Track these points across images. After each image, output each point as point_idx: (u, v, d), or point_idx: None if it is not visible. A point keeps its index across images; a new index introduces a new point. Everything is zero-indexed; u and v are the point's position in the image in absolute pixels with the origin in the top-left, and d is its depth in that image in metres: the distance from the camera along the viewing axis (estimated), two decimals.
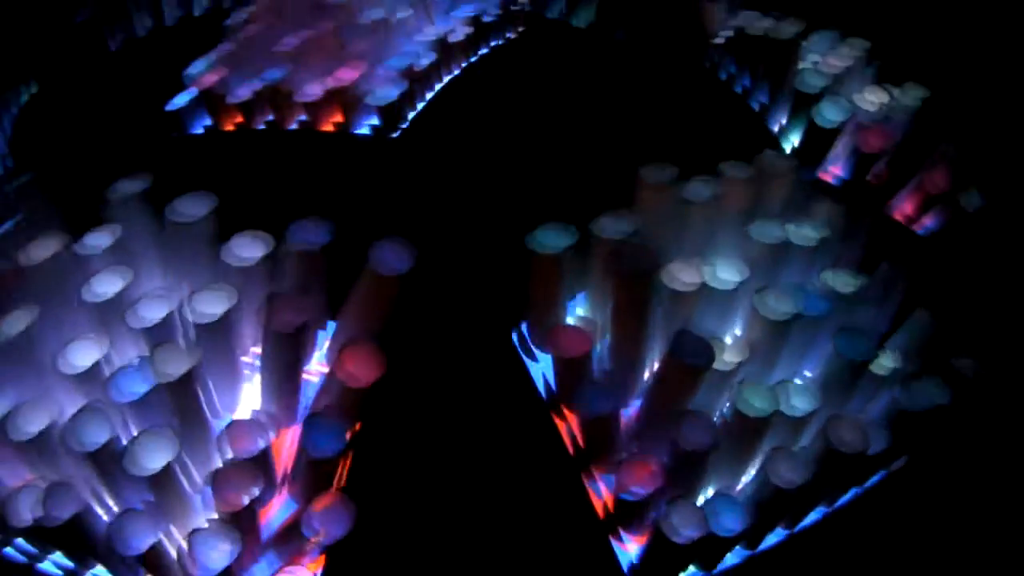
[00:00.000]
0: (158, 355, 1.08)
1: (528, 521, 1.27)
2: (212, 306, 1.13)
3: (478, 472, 1.30)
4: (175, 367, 1.07)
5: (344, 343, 1.15)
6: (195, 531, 1.05)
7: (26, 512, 1.07)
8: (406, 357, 1.20)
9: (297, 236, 1.15)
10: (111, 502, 1.14)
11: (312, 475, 1.14)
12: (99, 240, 1.23)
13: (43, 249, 1.21)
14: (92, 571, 1.18)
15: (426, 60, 1.79)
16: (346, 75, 1.67)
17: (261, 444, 1.10)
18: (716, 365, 1.17)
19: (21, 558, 1.21)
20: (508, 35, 2.10)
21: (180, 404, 1.09)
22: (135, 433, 1.08)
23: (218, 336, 1.14)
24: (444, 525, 1.26)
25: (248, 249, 1.18)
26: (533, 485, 1.30)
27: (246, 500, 1.06)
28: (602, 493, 1.26)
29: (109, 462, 1.06)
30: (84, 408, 1.07)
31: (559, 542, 1.26)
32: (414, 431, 1.31)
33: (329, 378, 1.18)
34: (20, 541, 1.18)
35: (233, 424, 1.10)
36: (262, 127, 1.77)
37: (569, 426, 1.31)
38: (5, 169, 1.72)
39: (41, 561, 1.21)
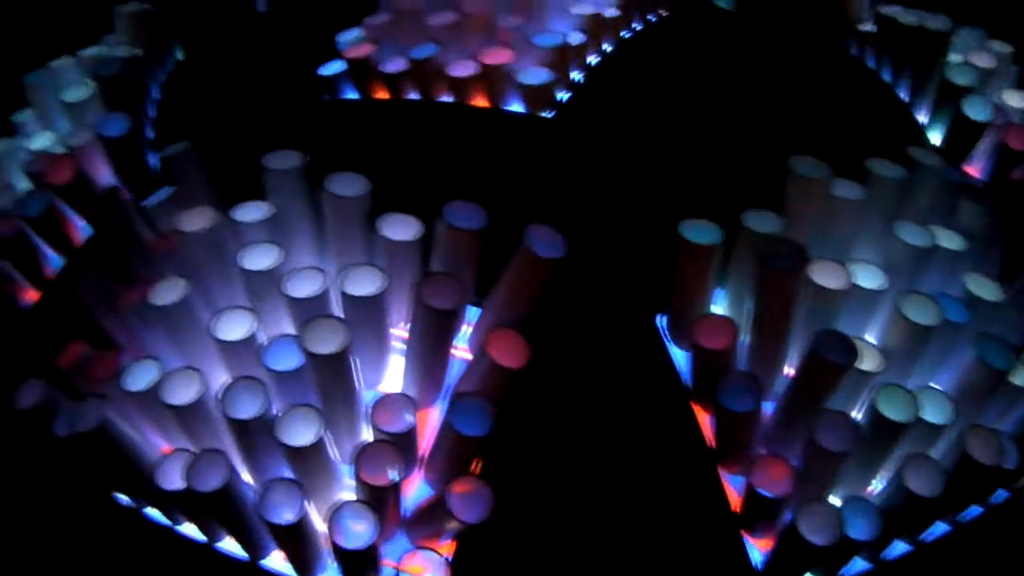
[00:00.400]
0: (311, 330, 1.12)
1: (662, 510, 1.30)
2: (364, 283, 1.17)
3: (616, 458, 1.33)
4: (328, 343, 1.11)
5: (492, 327, 1.19)
6: (337, 506, 1.09)
7: (177, 478, 1.13)
8: (550, 342, 1.22)
9: (453, 218, 1.18)
10: (256, 472, 1.19)
11: (454, 456, 1.17)
12: (253, 213, 1.28)
13: (198, 220, 1.27)
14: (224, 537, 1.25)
15: (577, 38, 1.80)
16: (498, 55, 1.69)
17: (408, 422, 1.14)
18: (857, 365, 1.18)
19: (163, 520, 1.29)
20: (652, 16, 2.11)
21: (329, 378, 1.14)
22: (282, 404, 1.14)
23: (369, 313, 1.18)
24: (578, 512, 1.30)
25: (400, 228, 1.22)
26: (669, 474, 1.32)
27: (389, 479, 1.11)
28: (735, 488, 1.29)
29: (260, 433, 1.12)
30: (238, 378, 1.13)
31: (692, 533, 1.29)
32: (554, 416, 1.35)
33: (474, 361, 1.21)
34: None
35: (380, 400, 1.15)
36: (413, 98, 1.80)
37: (708, 418, 1.34)
38: (154, 137, 1.80)
39: (181, 524, 1.29)
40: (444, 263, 1.21)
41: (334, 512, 1.08)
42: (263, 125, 1.77)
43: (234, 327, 1.19)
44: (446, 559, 1.14)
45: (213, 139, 1.44)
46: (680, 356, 1.39)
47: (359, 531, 1.09)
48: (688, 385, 1.35)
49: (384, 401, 1.14)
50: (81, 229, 1.64)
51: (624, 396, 1.36)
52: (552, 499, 1.30)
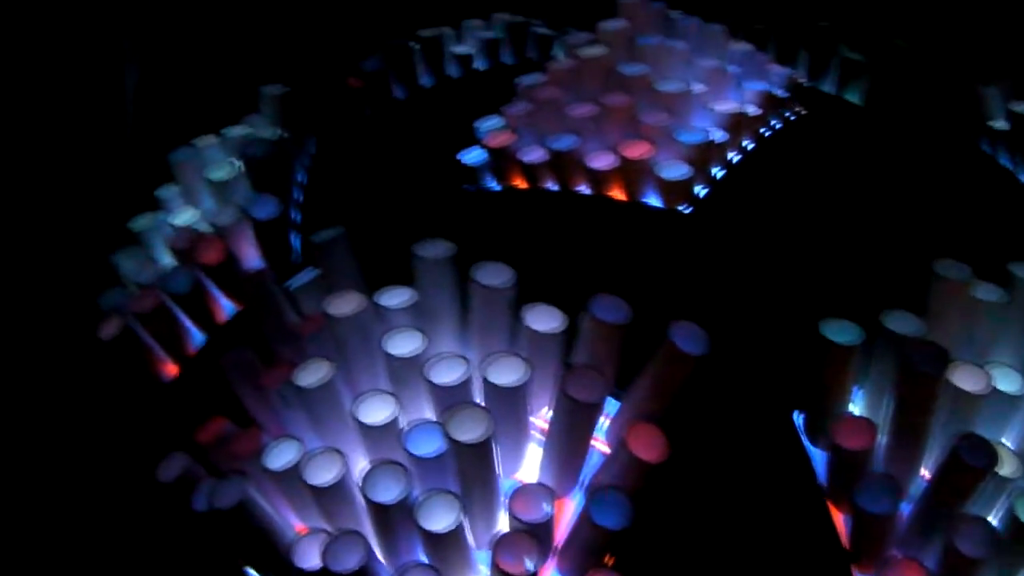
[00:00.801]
0: (455, 417, 1.18)
1: None
2: (507, 373, 1.23)
3: (751, 556, 1.36)
4: (471, 431, 1.16)
5: (632, 421, 1.24)
6: None
7: (314, 557, 1.18)
8: (689, 436, 1.26)
9: (599, 311, 1.24)
10: (392, 555, 1.25)
11: (590, 548, 1.21)
12: (399, 299, 1.35)
13: (346, 303, 1.34)
14: None
15: (718, 135, 1.86)
16: (638, 148, 1.76)
17: (546, 512, 1.18)
18: (996, 470, 1.20)
19: None
20: (790, 113, 2.16)
21: (470, 465, 1.19)
22: (421, 489, 1.19)
23: (510, 402, 1.23)
24: None
25: (545, 319, 1.28)
26: (804, 574, 1.35)
27: (526, 568, 1.15)
28: None
29: (399, 517, 1.18)
30: (380, 462, 1.19)
31: None
32: (690, 511, 1.38)
33: (613, 454, 1.26)
34: None
35: (519, 489, 1.20)
36: (552, 188, 1.88)
37: (843, 518, 1.36)
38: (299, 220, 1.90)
39: None
40: (587, 355, 1.26)
41: None
42: (405, 211, 1.84)
43: (376, 411, 1.25)
44: None
45: (356, 224, 1.51)
46: (817, 454, 1.41)
47: None
48: (824, 484, 1.37)
49: (523, 490, 1.19)
50: (224, 307, 1.74)
51: (761, 493, 1.39)
52: None
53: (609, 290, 1.27)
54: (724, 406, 1.46)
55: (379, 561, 1.22)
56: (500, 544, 1.15)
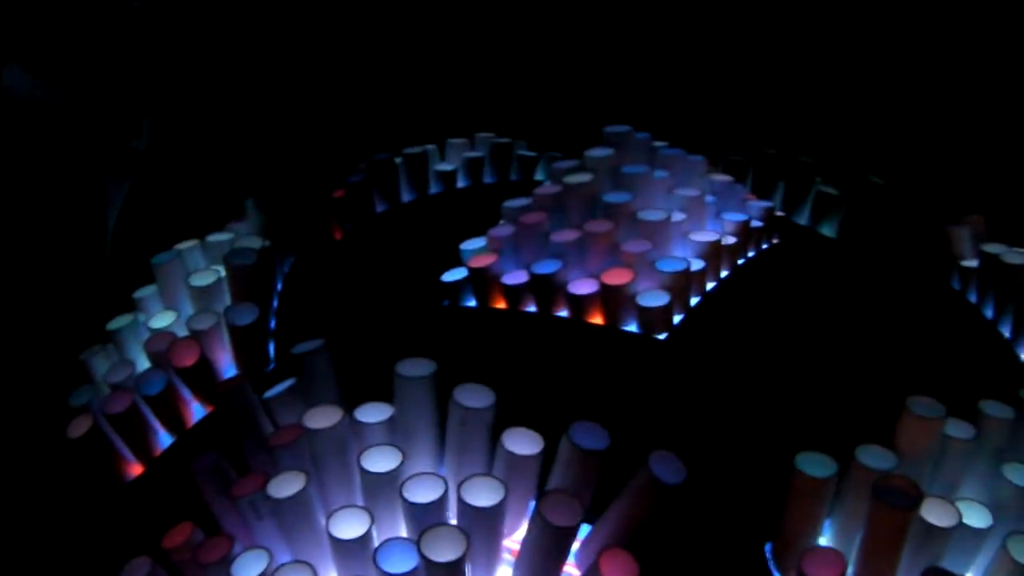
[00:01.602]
0: (429, 536, 1.19)
1: None
2: (484, 494, 1.23)
3: None
4: (445, 551, 1.17)
5: (604, 547, 1.24)
6: None
7: None
8: (661, 562, 1.27)
9: (579, 437, 1.26)
10: None
11: None
12: (378, 415, 1.36)
13: (323, 416, 1.34)
14: None
15: (696, 264, 1.90)
16: (619, 275, 1.79)
17: None
18: None
19: None
20: (765, 243, 2.23)
21: None
22: None
23: (485, 523, 1.24)
24: None
25: (522, 442, 1.30)
26: None
27: None
28: None
29: None
30: None
31: None
32: None
33: None
34: None
35: None
36: (531, 311, 1.90)
37: None
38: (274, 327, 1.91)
39: None
40: (564, 479, 1.27)
41: None
42: (384, 327, 1.86)
43: (350, 526, 1.25)
44: None
45: (333, 336, 1.52)
46: None
47: None
48: None
49: None
50: (194, 410, 1.74)
51: None
52: None
53: (584, 414, 1.30)
54: (696, 534, 1.47)
55: None
56: None
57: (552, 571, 1.27)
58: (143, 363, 1.80)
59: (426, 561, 1.16)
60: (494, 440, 1.31)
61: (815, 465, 1.34)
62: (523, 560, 1.28)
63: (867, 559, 1.32)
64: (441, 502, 1.25)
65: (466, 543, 1.18)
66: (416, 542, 1.19)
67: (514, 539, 1.36)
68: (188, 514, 1.38)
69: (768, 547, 1.46)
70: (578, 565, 1.35)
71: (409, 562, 1.20)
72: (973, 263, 2.17)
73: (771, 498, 1.41)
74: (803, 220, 2.49)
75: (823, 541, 1.43)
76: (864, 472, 1.35)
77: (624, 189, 1.98)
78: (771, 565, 1.45)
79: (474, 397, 1.32)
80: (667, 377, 1.77)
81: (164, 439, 1.73)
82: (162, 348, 1.73)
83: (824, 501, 1.37)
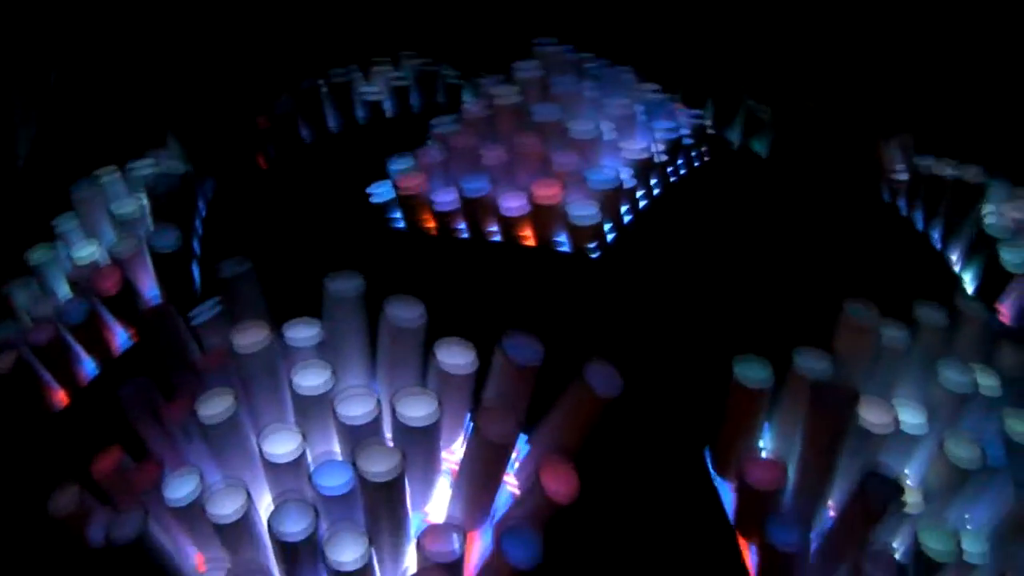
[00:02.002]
0: (365, 453, 1.17)
1: None
2: (418, 409, 1.22)
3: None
4: (381, 468, 1.15)
5: (543, 459, 1.23)
6: None
7: None
8: (599, 473, 1.26)
9: (512, 350, 1.24)
10: None
11: None
12: (307, 333, 1.33)
13: (251, 337, 1.31)
14: None
15: (628, 179, 1.88)
16: (549, 191, 1.77)
17: (456, 548, 1.17)
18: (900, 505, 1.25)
19: None
20: (697, 159, 2.24)
21: (380, 503, 1.17)
22: (327, 525, 1.17)
23: (421, 438, 1.22)
24: None
25: (456, 356, 1.28)
26: None
27: None
28: None
29: (307, 552, 1.16)
30: (287, 497, 1.17)
31: None
32: (600, 548, 1.38)
33: (525, 491, 1.26)
34: None
35: (429, 526, 1.18)
36: (463, 234, 1.89)
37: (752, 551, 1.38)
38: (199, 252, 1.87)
39: None
40: (499, 393, 1.26)
41: None
42: (311, 247, 1.83)
43: (282, 445, 1.22)
44: None
45: (260, 257, 1.49)
46: (726, 489, 1.43)
47: None
48: (733, 519, 1.39)
49: (432, 527, 1.18)
50: (119, 338, 1.70)
51: (670, 529, 1.41)
52: None
53: (518, 329, 1.27)
54: (636, 443, 1.48)
55: None
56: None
57: (491, 486, 1.26)
58: (66, 294, 1.76)
59: (362, 479, 1.14)
60: (427, 355, 1.29)
61: (752, 370, 1.35)
62: (462, 476, 1.27)
63: (806, 463, 1.32)
64: (375, 419, 1.23)
65: (402, 459, 1.16)
66: (351, 460, 1.16)
67: (452, 452, 1.36)
68: (117, 442, 1.35)
69: (707, 452, 1.48)
70: (518, 478, 1.35)
71: (344, 480, 1.18)
72: (903, 176, 2.20)
73: (709, 404, 1.43)
74: (734, 138, 2.48)
75: (763, 445, 1.45)
76: (801, 376, 1.35)
77: (553, 103, 1.94)
78: (711, 470, 1.47)
79: (405, 311, 1.30)
80: (601, 293, 1.75)
81: (90, 368, 1.69)
82: (84, 277, 1.69)
83: (762, 406, 1.38)
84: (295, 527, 1.14)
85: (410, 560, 1.24)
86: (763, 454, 1.41)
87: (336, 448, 1.27)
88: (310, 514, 1.15)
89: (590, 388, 1.22)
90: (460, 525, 1.19)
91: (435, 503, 1.33)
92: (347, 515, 1.18)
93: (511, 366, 1.24)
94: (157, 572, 1.22)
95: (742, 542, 1.37)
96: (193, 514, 1.20)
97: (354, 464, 1.15)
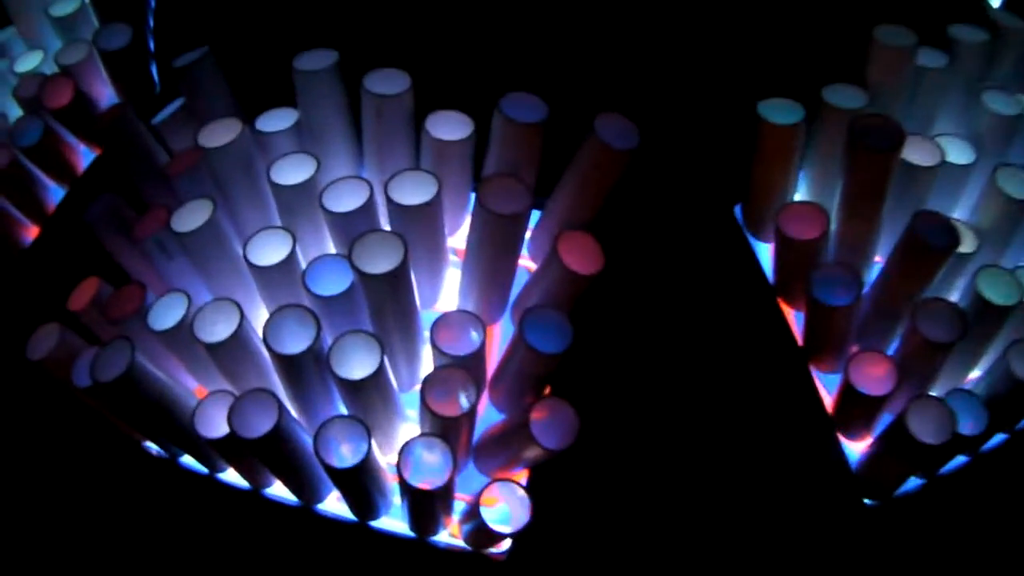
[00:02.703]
0: (362, 247, 1.04)
1: (751, 414, 1.27)
2: (415, 191, 1.09)
3: (699, 364, 1.29)
4: (383, 260, 1.03)
5: (560, 230, 1.10)
6: (406, 443, 1.01)
7: (219, 424, 1.05)
8: (622, 242, 1.16)
9: (512, 111, 1.10)
10: (307, 410, 1.12)
11: (529, 377, 1.10)
12: (282, 121, 1.19)
13: (219, 133, 1.17)
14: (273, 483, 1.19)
15: None
16: None
17: (475, 341, 1.06)
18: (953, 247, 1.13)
19: (201, 469, 1.23)
20: None
21: (385, 300, 1.06)
22: (331, 333, 1.06)
23: (422, 223, 1.10)
24: (660, 424, 1.26)
25: (450, 127, 1.14)
26: (757, 376, 1.29)
27: (461, 407, 1.03)
28: (828, 387, 1.24)
29: (311, 367, 1.05)
30: (282, 308, 1.05)
31: (784, 436, 1.26)
32: (629, 325, 1.30)
33: (542, 270, 1.13)
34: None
35: (442, 319, 1.07)
36: None
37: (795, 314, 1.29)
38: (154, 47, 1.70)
39: (223, 472, 1.22)
40: (502, 162, 1.12)
41: (403, 448, 1.00)
42: (274, 25, 1.67)
43: (270, 250, 1.10)
44: (527, 492, 1.04)
45: (221, 44, 1.33)
46: (762, 249, 1.32)
47: (433, 467, 1.02)
48: (773, 279, 1.29)
49: (446, 321, 1.07)
50: (83, 155, 1.56)
51: (704, 296, 1.32)
52: (633, 409, 1.26)
53: (519, 88, 1.12)
54: (660, 205, 1.36)
55: (294, 420, 1.08)
56: (429, 383, 1.02)
57: (505, 265, 1.15)
58: (15, 113, 1.59)
59: (362, 275, 1.02)
60: (417, 130, 1.16)
61: (781, 112, 1.20)
62: (471, 259, 1.15)
63: (849, 211, 1.20)
64: (368, 207, 1.10)
65: (405, 248, 1.03)
66: (347, 256, 1.04)
67: (458, 238, 1.25)
68: (94, 271, 1.22)
69: (738, 209, 1.37)
70: (533, 256, 1.23)
71: (343, 280, 1.06)
72: None
73: (736, 157, 1.31)
74: None
75: (798, 198, 1.32)
76: (835, 113, 1.21)
77: None
78: (743, 228, 1.36)
79: (387, 83, 1.14)
80: (608, 39, 1.58)
81: (56, 193, 1.55)
82: (33, 92, 1.52)
83: (794, 150, 1.25)
84: (295, 341, 1.03)
85: (426, 362, 1.15)
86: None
87: (330, 247, 1.14)
88: (310, 324, 1.03)
89: (604, 144, 1.07)
90: (476, 315, 1.08)
91: (445, 298, 1.22)
92: (351, 319, 1.07)
93: (512, 127, 1.09)
94: (152, 409, 1.11)
95: (784, 305, 1.28)
96: (183, 339, 1.09)
97: (351, 260, 1.02)
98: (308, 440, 1.05)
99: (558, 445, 1.00)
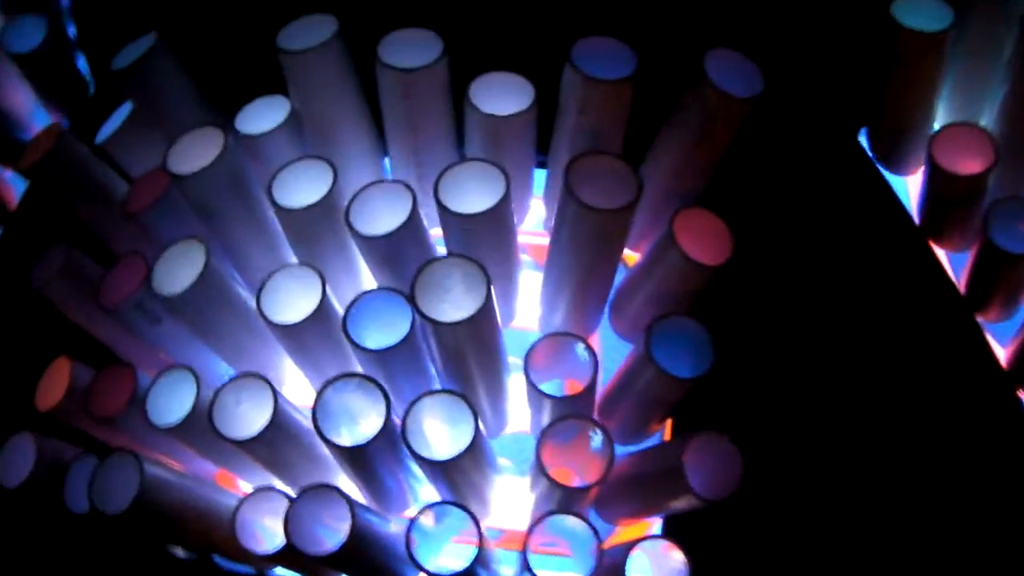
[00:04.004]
0: (426, 283, 0.79)
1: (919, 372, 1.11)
2: (473, 190, 0.84)
3: (854, 317, 1.13)
4: (459, 293, 0.80)
5: (670, 209, 0.86)
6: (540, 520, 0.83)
7: (269, 529, 0.86)
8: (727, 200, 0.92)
9: (589, 64, 0.85)
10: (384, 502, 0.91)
11: (659, 404, 0.91)
12: (272, 115, 0.93)
13: (193, 147, 0.90)
14: None
15: None
16: None
17: (585, 371, 0.85)
18: None
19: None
20: None
21: (466, 346, 0.83)
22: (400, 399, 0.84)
23: (490, 232, 0.86)
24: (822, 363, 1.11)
25: (503, 96, 0.88)
26: (917, 325, 1.12)
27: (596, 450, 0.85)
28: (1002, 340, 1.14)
29: (385, 449, 0.83)
30: (333, 381, 0.81)
31: (956, 393, 1.10)
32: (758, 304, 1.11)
33: (650, 263, 0.91)
34: None
35: (539, 346, 0.86)
36: None
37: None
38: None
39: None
40: (580, 137, 0.89)
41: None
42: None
43: (292, 298, 0.86)
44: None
45: (170, 25, 1.06)
46: (898, 183, 1.15)
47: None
48: (919, 218, 1.12)
49: (543, 351, 0.86)
50: (12, 183, 1.31)
51: (840, 242, 1.15)
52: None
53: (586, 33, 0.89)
54: (778, 139, 1.16)
55: (370, 514, 0.85)
56: (546, 440, 0.82)
57: (607, 268, 0.92)
58: None
59: (436, 325, 0.78)
60: (458, 104, 0.90)
61: (921, 15, 0.99)
62: (559, 263, 0.92)
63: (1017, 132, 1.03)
64: (413, 222, 0.84)
65: (486, 281, 0.79)
66: (410, 301, 0.80)
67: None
68: (59, 348, 0.98)
69: (864, 132, 1.16)
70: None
71: (395, 321, 0.82)
72: None
73: (862, 71, 1.10)
74: None
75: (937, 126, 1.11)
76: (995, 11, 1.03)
77: None
78: (870, 154, 1.16)
79: (411, 49, 0.88)
80: None
81: None
82: None
83: (941, 63, 1.04)
84: (356, 421, 0.83)
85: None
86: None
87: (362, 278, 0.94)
88: (373, 394, 0.81)
89: (718, 89, 0.83)
90: (572, 333, 0.87)
91: (522, 310, 1.02)
92: (413, 370, 0.86)
93: (593, 85, 0.86)
94: (174, 526, 0.91)
95: (935, 247, 1.13)
96: (197, 429, 0.85)
97: (417, 306, 0.79)
98: (391, 532, 0.86)
99: (718, 493, 0.81)
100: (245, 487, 1.00)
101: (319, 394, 0.81)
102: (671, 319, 0.84)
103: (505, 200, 0.82)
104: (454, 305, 0.80)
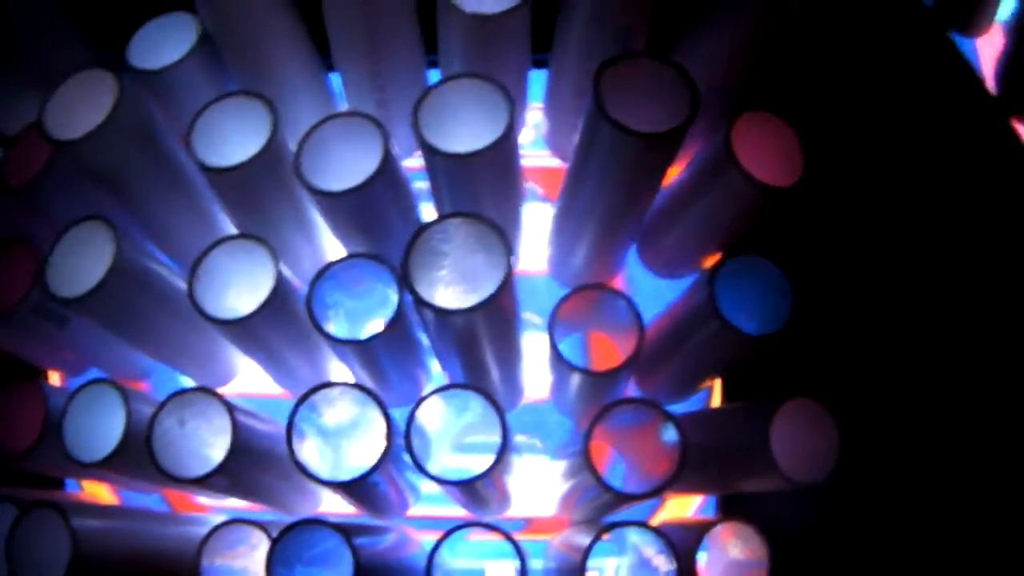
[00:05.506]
0: (419, 254, 0.62)
1: None
2: (465, 117, 0.66)
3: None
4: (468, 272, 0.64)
5: (735, 118, 0.68)
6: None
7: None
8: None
9: None
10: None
11: (720, 362, 0.78)
12: (169, 41, 0.73)
13: (81, 99, 0.70)
14: None
15: None
16: None
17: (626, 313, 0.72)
18: None
19: None
20: None
21: (479, 330, 0.66)
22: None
23: (493, 170, 0.68)
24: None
25: None
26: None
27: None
28: None
29: (383, 485, 0.69)
30: (308, 396, 0.66)
31: None
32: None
33: (706, 175, 0.72)
34: None
35: (569, 299, 0.72)
36: None
37: None
38: None
39: None
40: (594, 32, 0.71)
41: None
42: None
43: (237, 284, 0.69)
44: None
45: None
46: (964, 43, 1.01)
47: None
48: (996, 89, 0.98)
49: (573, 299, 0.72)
50: None
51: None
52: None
53: None
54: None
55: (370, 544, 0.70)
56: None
57: (645, 200, 0.74)
58: None
59: (441, 313, 0.61)
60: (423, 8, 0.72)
61: None
62: (584, 201, 0.73)
63: None
64: (388, 165, 0.66)
65: (507, 252, 0.63)
66: (384, 261, 0.66)
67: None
68: None
69: None
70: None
71: (378, 298, 0.69)
72: None
73: None
74: None
75: None
76: None
77: None
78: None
79: None
80: None
81: None
82: None
83: None
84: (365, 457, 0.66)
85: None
86: None
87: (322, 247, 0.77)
88: (366, 405, 0.67)
89: None
90: (607, 287, 0.72)
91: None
92: (401, 355, 0.72)
93: None
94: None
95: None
96: (135, 457, 0.69)
97: (415, 291, 0.62)
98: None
99: (814, 475, 0.68)
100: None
101: (294, 418, 0.65)
102: (737, 260, 0.67)
103: (511, 129, 0.63)
104: (455, 271, 0.63)
